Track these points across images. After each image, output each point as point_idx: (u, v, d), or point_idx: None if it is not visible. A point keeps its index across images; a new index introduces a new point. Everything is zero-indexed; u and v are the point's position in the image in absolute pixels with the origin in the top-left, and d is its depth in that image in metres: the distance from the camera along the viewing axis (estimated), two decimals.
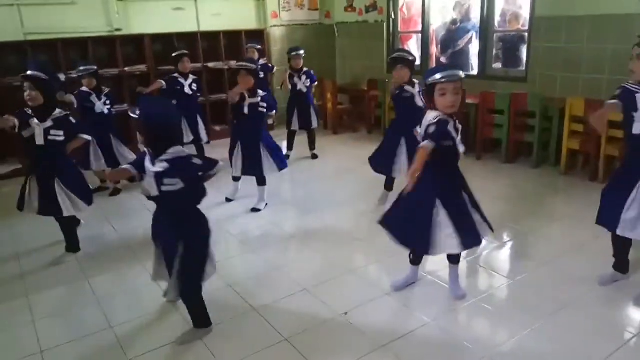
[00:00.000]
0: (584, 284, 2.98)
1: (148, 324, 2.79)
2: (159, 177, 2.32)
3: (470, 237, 2.69)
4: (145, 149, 2.42)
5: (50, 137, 3.30)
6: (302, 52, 5.74)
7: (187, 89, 5.31)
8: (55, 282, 3.31)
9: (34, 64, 3.37)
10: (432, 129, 2.51)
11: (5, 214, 4.44)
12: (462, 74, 2.55)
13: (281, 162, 4.37)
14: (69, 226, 3.66)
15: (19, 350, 2.59)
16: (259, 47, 6.39)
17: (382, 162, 4.16)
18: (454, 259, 2.93)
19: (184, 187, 2.34)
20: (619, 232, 2.71)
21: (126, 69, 6.22)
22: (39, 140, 3.28)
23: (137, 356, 2.51)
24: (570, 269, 3.19)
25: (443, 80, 2.54)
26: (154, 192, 2.35)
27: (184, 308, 2.83)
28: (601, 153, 4.65)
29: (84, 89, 4.64)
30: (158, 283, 2.86)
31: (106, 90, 4.76)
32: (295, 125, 5.89)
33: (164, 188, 2.33)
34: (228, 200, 4.58)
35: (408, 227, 2.72)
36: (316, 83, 6.03)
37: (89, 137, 3.63)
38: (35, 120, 3.28)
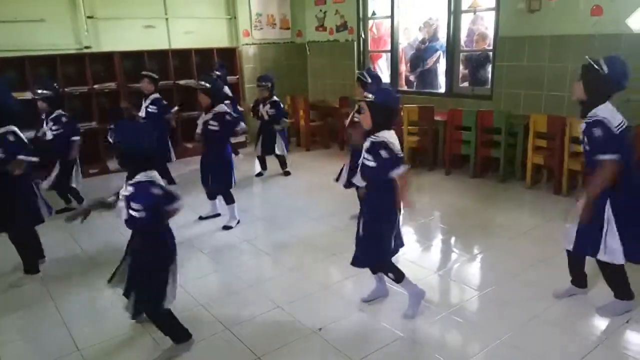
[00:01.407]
0: (550, 295, 3.07)
1: (117, 346, 2.73)
2: (127, 200, 2.36)
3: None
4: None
5: None
6: (268, 84, 5.72)
7: (142, 112, 5.25)
8: (20, 304, 3.21)
9: None
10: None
11: None
12: (366, 96, 2.73)
13: (219, 185, 4.34)
14: (24, 247, 3.53)
15: None
16: (219, 73, 6.04)
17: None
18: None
19: (146, 215, 2.35)
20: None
21: (95, 86, 6.15)
22: None
23: None
24: (537, 281, 3.27)
25: None
26: (123, 216, 2.38)
27: (153, 329, 2.78)
28: (564, 167, 4.82)
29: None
30: (121, 296, 2.80)
31: (56, 113, 4.47)
32: (258, 151, 5.93)
33: (131, 212, 2.36)
34: (201, 218, 4.55)
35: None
36: (284, 120, 5.91)
37: (31, 158, 3.37)
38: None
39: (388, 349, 2.62)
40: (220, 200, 4.53)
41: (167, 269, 2.51)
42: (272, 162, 6.05)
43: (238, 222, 4.43)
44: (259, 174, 6.03)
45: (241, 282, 3.42)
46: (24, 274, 3.53)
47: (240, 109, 6.56)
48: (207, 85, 4.14)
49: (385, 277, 3.03)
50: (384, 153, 2.62)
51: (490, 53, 5.96)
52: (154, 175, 2.40)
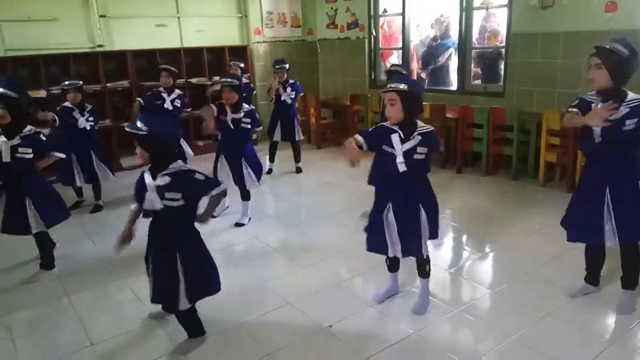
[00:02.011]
0: (563, 294, 3.04)
1: (131, 341, 2.76)
2: (161, 190, 2.36)
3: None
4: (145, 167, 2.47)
5: (17, 155, 3.26)
6: (286, 66, 5.79)
7: (167, 104, 5.26)
8: (36, 300, 3.26)
9: (3, 81, 3.28)
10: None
11: None
12: (396, 86, 2.61)
13: (256, 179, 4.37)
14: (45, 243, 3.60)
15: None
16: (242, 65, 6.38)
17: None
18: (421, 273, 2.95)
19: (183, 204, 2.38)
20: (608, 243, 2.72)
21: (108, 84, 6.21)
22: (5, 158, 3.25)
23: None
24: (550, 279, 3.25)
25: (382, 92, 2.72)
26: (158, 205, 2.37)
27: (167, 324, 2.82)
28: (577, 165, 4.77)
29: (67, 104, 4.60)
30: (135, 291, 2.84)
31: (89, 106, 4.72)
32: (277, 137, 5.92)
33: (165, 202, 2.36)
34: (213, 216, 4.56)
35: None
36: (302, 94, 6.06)
37: (61, 155, 3.54)
38: (3, 138, 3.26)
39: (399, 346, 2.62)
40: (228, 195, 4.54)
41: (207, 257, 2.60)
42: (282, 160, 6.06)
43: (249, 219, 4.45)
44: (269, 171, 6.04)
45: (252, 279, 3.44)
46: (39, 269, 3.58)
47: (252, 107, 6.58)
48: (237, 82, 4.14)
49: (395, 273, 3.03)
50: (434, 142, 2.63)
51: (503, 50, 5.91)
52: (184, 164, 2.43)
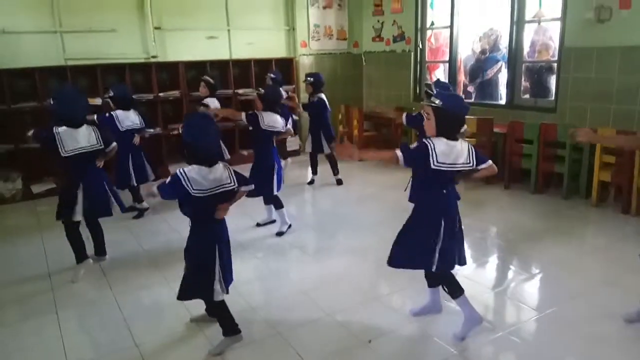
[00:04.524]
0: (616, 321, 2.88)
1: (172, 343, 2.82)
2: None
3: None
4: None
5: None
6: (310, 79, 5.83)
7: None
8: (84, 299, 3.39)
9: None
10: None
11: (39, 231, 4.58)
12: (431, 101, 2.60)
13: (261, 191, 4.30)
14: (73, 237, 3.70)
15: None
16: (273, 75, 6.34)
17: None
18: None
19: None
20: None
21: (160, 94, 6.43)
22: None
23: None
24: (602, 304, 3.09)
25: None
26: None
27: (208, 329, 2.86)
28: (634, 185, 4.54)
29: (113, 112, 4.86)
30: (184, 303, 2.90)
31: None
32: (308, 148, 6.03)
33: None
34: (258, 225, 4.64)
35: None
36: (327, 111, 5.91)
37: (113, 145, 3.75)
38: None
39: None
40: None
41: (212, 259, 2.62)
42: (323, 172, 6.08)
43: (289, 226, 4.47)
44: (311, 182, 6.07)
45: (291, 288, 3.44)
46: (76, 264, 3.72)
47: (294, 117, 6.64)
48: (261, 90, 4.33)
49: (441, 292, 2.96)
50: (413, 146, 2.61)
51: (554, 64, 5.73)
52: (198, 169, 2.54)
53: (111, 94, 4.89)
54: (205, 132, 2.57)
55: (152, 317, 3.14)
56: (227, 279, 2.70)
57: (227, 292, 2.70)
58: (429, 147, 2.53)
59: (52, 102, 3.55)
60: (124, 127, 4.78)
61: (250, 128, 4.27)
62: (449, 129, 2.59)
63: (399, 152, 2.58)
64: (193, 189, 2.50)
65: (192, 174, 2.52)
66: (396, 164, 2.60)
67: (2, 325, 3.06)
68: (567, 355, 2.59)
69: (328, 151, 5.94)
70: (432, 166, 2.53)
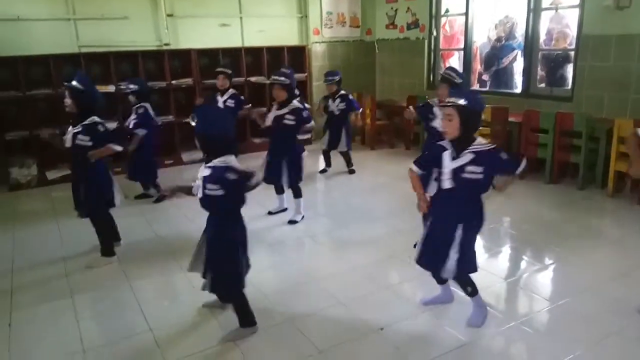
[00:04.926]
0: (630, 313, 2.85)
1: (186, 329, 2.85)
2: (203, 181, 2.53)
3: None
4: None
5: (77, 142, 3.47)
6: (336, 78, 5.78)
7: (220, 105, 5.38)
8: (99, 284, 3.43)
9: (78, 75, 3.54)
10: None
11: (55, 217, 4.64)
12: (454, 101, 2.49)
13: (291, 180, 4.35)
14: (102, 229, 3.74)
15: (63, 349, 2.69)
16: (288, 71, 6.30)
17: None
18: (465, 291, 2.82)
19: (224, 193, 2.50)
20: None
21: (173, 82, 6.44)
22: (67, 143, 3.51)
23: None
24: (616, 296, 3.06)
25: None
26: (199, 193, 2.56)
27: (221, 315, 2.88)
28: None
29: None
30: (191, 280, 2.92)
31: (140, 105, 4.87)
32: (324, 145, 5.99)
33: (206, 191, 2.53)
34: (270, 213, 4.64)
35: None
36: (358, 111, 5.99)
37: (118, 148, 3.63)
38: (70, 127, 3.52)
39: (452, 354, 2.55)
40: (287, 195, 4.61)
41: (243, 250, 2.65)
42: (336, 160, 6.07)
43: (302, 217, 4.48)
44: (323, 171, 6.06)
45: (304, 276, 3.46)
46: (100, 256, 3.75)
47: (307, 105, 6.62)
48: (287, 80, 4.19)
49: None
50: (507, 156, 2.52)
51: (571, 52, 5.63)
52: (231, 159, 2.53)
53: (135, 87, 4.86)
54: (227, 121, 2.62)
55: (165, 302, 3.18)
56: (247, 268, 2.75)
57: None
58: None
59: (81, 87, 3.44)
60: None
61: (293, 123, 4.21)
62: (473, 129, 2.54)
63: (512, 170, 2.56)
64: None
65: (235, 164, 2.52)
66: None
67: (18, 309, 3.11)
68: (580, 347, 2.57)
69: (344, 149, 5.92)
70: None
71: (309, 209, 4.67)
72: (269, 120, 4.29)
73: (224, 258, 2.62)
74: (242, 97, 5.65)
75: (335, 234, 4.28)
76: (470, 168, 2.50)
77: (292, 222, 4.42)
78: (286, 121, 4.19)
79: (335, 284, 3.31)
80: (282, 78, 4.18)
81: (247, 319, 2.75)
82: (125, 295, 3.24)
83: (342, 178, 5.91)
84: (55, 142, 3.70)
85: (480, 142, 2.56)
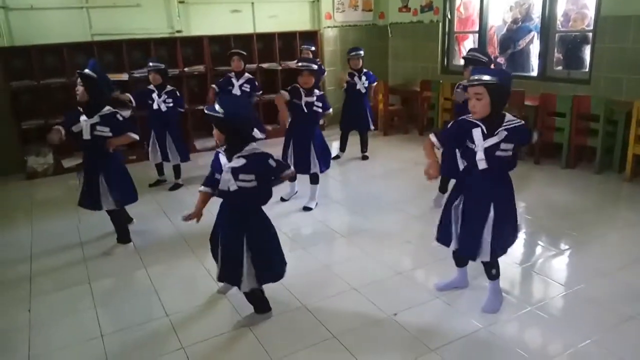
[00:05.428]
0: None
1: (201, 314, 2.89)
2: (235, 172, 2.44)
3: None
4: (218, 148, 2.56)
5: (96, 133, 3.46)
6: (361, 52, 5.73)
7: (235, 90, 5.36)
8: (116, 270, 3.49)
9: (91, 63, 3.52)
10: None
11: (71, 204, 4.71)
12: (483, 78, 2.44)
13: (324, 165, 4.39)
14: (119, 218, 3.80)
15: (81, 334, 2.75)
16: (313, 48, 6.42)
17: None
18: (488, 275, 2.81)
19: (256, 185, 2.45)
20: None
21: (185, 69, 6.44)
22: (86, 135, 3.46)
23: (191, 344, 2.60)
24: (632, 282, 3.03)
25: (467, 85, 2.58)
26: (233, 186, 2.45)
27: (236, 301, 2.91)
28: None
29: (150, 87, 4.88)
30: (206, 267, 2.95)
31: (170, 88, 4.92)
32: (349, 126, 5.91)
33: (239, 183, 2.44)
34: (283, 199, 4.65)
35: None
36: (375, 83, 5.95)
37: (135, 136, 3.65)
38: (84, 117, 3.47)
39: (466, 340, 2.55)
40: (298, 180, 4.61)
41: (273, 239, 2.66)
42: (349, 146, 6.03)
43: (316, 204, 4.48)
44: (336, 157, 6.02)
45: (317, 262, 3.47)
46: (117, 243, 3.80)
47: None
48: (314, 66, 4.16)
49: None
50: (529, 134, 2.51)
51: (588, 34, 5.50)
52: (257, 147, 2.49)
53: (161, 65, 4.84)
54: (247, 107, 2.61)
55: (181, 288, 3.22)
56: None
57: None
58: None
59: (95, 75, 3.42)
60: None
61: (320, 110, 4.21)
62: (503, 105, 2.50)
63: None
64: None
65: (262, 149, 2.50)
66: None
67: (37, 295, 3.18)
68: (595, 332, 2.55)
69: (371, 128, 5.87)
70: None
71: (323, 195, 4.67)
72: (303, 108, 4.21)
73: (269, 250, 2.62)
74: (257, 83, 5.60)
75: (349, 221, 4.28)
76: (503, 146, 2.48)
77: (306, 208, 4.43)
78: (315, 108, 4.19)
79: (348, 271, 3.31)
80: (308, 64, 4.16)
81: (262, 305, 2.77)
82: (142, 282, 3.29)
83: (355, 164, 5.89)
84: (52, 139, 3.51)
85: (510, 119, 2.51)
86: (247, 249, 2.54)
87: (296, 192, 4.69)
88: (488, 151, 2.49)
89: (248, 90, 5.41)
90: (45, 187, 5.49)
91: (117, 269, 3.50)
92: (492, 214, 2.56)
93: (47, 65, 5.85)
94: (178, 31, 6.56)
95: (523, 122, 2.53)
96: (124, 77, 6.01)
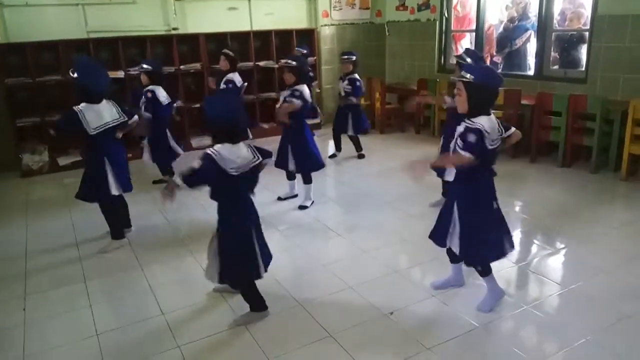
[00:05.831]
0: None
1: (197, 313, 2.88)
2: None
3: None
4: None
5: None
6: (353, 57, 5.70)
7: (222, 86, 5.37)
8: (111, 269, 3.47)
9: (75, 62, 3.60)
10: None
11: (66, 203, 4.69)
12: (462, 75, 2.51)
13: (300, 165, 4.33)
14: (111, 213, 3.75)
15: (76, 332, 2.74)
16: (305, 51, 6.29)
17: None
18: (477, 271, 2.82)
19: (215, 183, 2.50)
20: None
21: (182, 67, 6.41)
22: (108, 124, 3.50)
23: (187, 343, 2.59)
24: (628, 280, 3.03)
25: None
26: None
27: (232, 299, 2.91)
28: None
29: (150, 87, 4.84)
30: (202, 265, 2.93)
31: (150, 88, 4.81)
32: (335, 128, 5.96)
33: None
34: (280, 199, 4.64)
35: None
36: (357, 96, 5.77)
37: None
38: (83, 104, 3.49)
39: (463, 338, 2.55)
40: (298, 181, 4.60)
41: (251, 242, 2.63)
42: (345, 145, 6.03)
43: (312, 202, 4.48)
44: (333, 156, 6.03)
45: (313, 261, 3.47)
46: (111, 240, 3.78)
47: (317, 90, 6.60)
48: (294, 63, 4.13)
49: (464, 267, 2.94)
50: (472, 138, 2.42)
51: (585, 33, 5.51)
52: (230, 147, 2.49)
53: (149, 67, 4.78)
54: (232, 107, 2.55)
55: (177, 287, 3.21)
56: (266, 258, 2.76)
57: (266, 271, 2.73)
58: (482, 130, 2.44)
59: (75, 75, 3.48)
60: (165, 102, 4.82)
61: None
62: (483, 104, 2.49)
63: (467, 154, 2.45)
64: (229, 168, 2.44)
65: (224, 152, 2.44)
66: (471, 163, 2.48)
67: (33, 294, 3.16)
68: (591, 331, 2.55)
69: (352, 133, 5.86)
70: (489, 147, 2.48)
71: (319, 194, 4.66)
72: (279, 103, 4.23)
73: (224, 249, 2.61)
74: (239, 85, 5.43)
75: (344, 219, 4.28)
76: (459, 142, 2.52)
77: (302, 207, 4.42)
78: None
79: (344, 269, 3.31)
80: (289, 61, 4.14)
81: (257, 303, 2.77)
82: (138, 280, 3.28)
83: (351, 162, 5.89)
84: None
85: (473, 121, 2.48)
86: (217, 246, 2.62)
87: (296, 194, 4.66)
88: (454, 146, 2.57)
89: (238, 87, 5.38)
90: (41, 185, 5.47)
91: (113, 267, 3.49)
92: (455, 209, 2.63)
93: (43, 63, 5.83)
94: (174, 28, 6.53)
95: (478, 127, 2.44)
96: (120, 74, 5.98)
